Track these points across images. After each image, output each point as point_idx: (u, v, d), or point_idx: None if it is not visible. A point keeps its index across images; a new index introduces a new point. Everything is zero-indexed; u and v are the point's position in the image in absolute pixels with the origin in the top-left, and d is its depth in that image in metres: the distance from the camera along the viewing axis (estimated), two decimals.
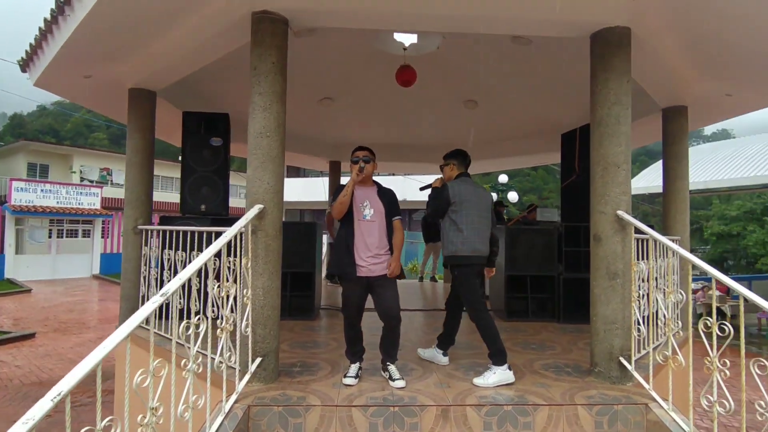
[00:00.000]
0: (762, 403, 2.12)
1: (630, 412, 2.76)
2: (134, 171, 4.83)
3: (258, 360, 2.96)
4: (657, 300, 3.17)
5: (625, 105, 3.24)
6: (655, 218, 20.72)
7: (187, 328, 2.28)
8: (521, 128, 7.89)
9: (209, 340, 2.44)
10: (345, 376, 3.09)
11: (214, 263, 2.58)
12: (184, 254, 3.98)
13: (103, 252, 22.29)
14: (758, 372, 2.15)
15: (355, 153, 3.22)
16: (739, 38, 3.66)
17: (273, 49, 3.13)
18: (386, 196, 3.25)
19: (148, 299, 4.65)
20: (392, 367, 3.12)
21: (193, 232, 3.81)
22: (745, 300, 2.30)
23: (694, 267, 2.83)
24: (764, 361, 2.14)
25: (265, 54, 3.12)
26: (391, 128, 8.36)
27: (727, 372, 2.33)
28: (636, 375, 3.02)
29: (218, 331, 2.57)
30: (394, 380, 3.03)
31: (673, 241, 3.40)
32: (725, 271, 23.10)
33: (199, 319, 2.34)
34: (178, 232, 3.94)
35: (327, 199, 9.59)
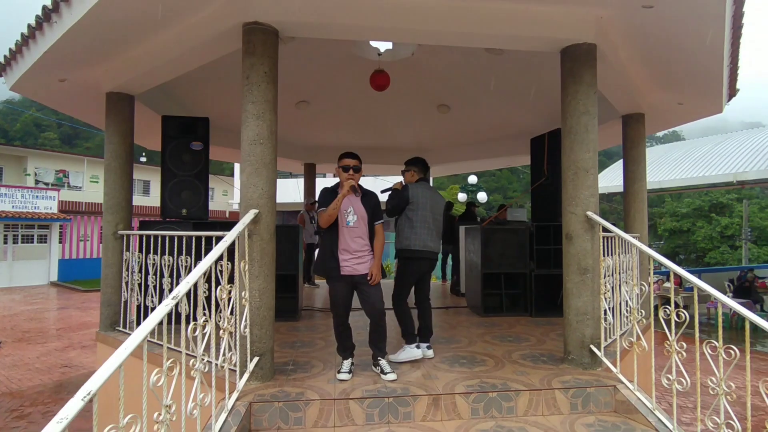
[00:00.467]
0: (713, 378, 2.42)
1: (601, 394, 3.05)
2: (114, 176, 4.79)
3: (256, 359, 3.08)
4: (622, 292, 3.50)
5: (593, 115, 3.54)
6: (613, 215, 21.75)
7: (194, 329, 2.38)
8: (492, 132, 8.24)
9: (213, 341, 2.55)
10: (339, 372, 3.25)
11: (220, 267, 2.69)
12: (171, 258, 4.03)
13: (61, 258, 21.37)
14: (710, 352, 2.46)
15: (345, 160, 3.36)
16: (681, 56, 4.09)
17: (265, 58, 3.25)
18: (369, 201, 3.42)
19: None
20: (383, 362, 3.31)
21: (180, 237, 3.87)
22: (699, 290, 2.63)
23: (653, 261, 3.16)
24: (715, 342, 2.45)
25: (257, 64, 3.23)
26: (366, 131, 8.53)
27: (684, 354, 2.65)
28: (605, 360, 3.33)
29: (221, 332, 2.67)
30: (385, 374, 3.22)
31: (634, 238, 3.74)
32: (678, 265, 24.50)
33: (205, 321, 2.45)
34: (164, 236, 3.98)
35: (301, 200, 9.65)
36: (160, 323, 2.07)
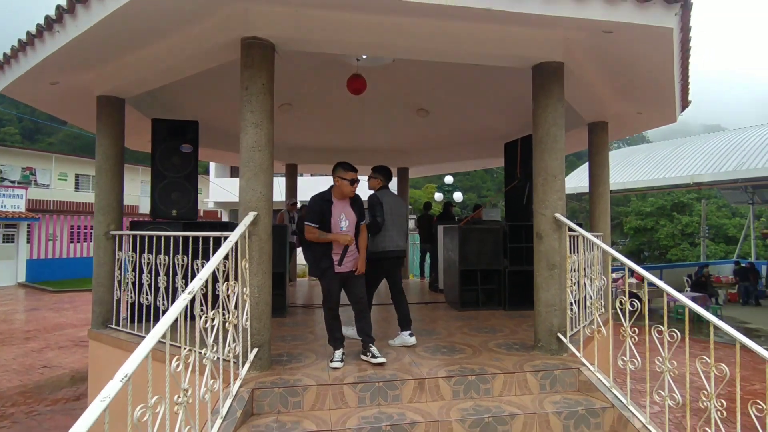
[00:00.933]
0: (659, 358, 2.83)
1: (566, 376, 3.44)
2: (105, 177, 4.91)
3: (255, 350, 3.33)
4: (585, 286, 3.91)
5: (561, 126, 3.93)
6: (582, 214, 22.70)
7: (205, 321, 2.63)
8: (468, 136, 8.64)
9: (216, 333, 2.79)
10: (332, 361, 3.53)
11: (224, 265, 2.93)
12: (167, 258, 4.22)
13: (29, 258, 20.78)
14: (657, 336, 2.86)
15: (350, 173, 3.67)
16: (638, 74, 4.56)
17: (263, 71, 3.49)
18: (357, 205, 3.80)
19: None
20: (373, 348, 3.62)
21: (173, 237, 4.06)
22: (652, 284, 3.05)
23: (614, 259, 3.57)
24: (662, 327, 2.85)
25: (255, 76, 3.47)
26: (347, 133, 8.80)
27: (636, 338, 3.05)
28: (570, 347, 3.72)
29: (226, 324, 2.92)
30: (376, 357, 3.54)
31: (597, 237, 4.16)
32: (641, 262, 25.69)
33: (215, 314, 2.70)
34: (159, 237, 4.16)
35: (283, 199, 9.82)
36: (140, 322, 2.31)
